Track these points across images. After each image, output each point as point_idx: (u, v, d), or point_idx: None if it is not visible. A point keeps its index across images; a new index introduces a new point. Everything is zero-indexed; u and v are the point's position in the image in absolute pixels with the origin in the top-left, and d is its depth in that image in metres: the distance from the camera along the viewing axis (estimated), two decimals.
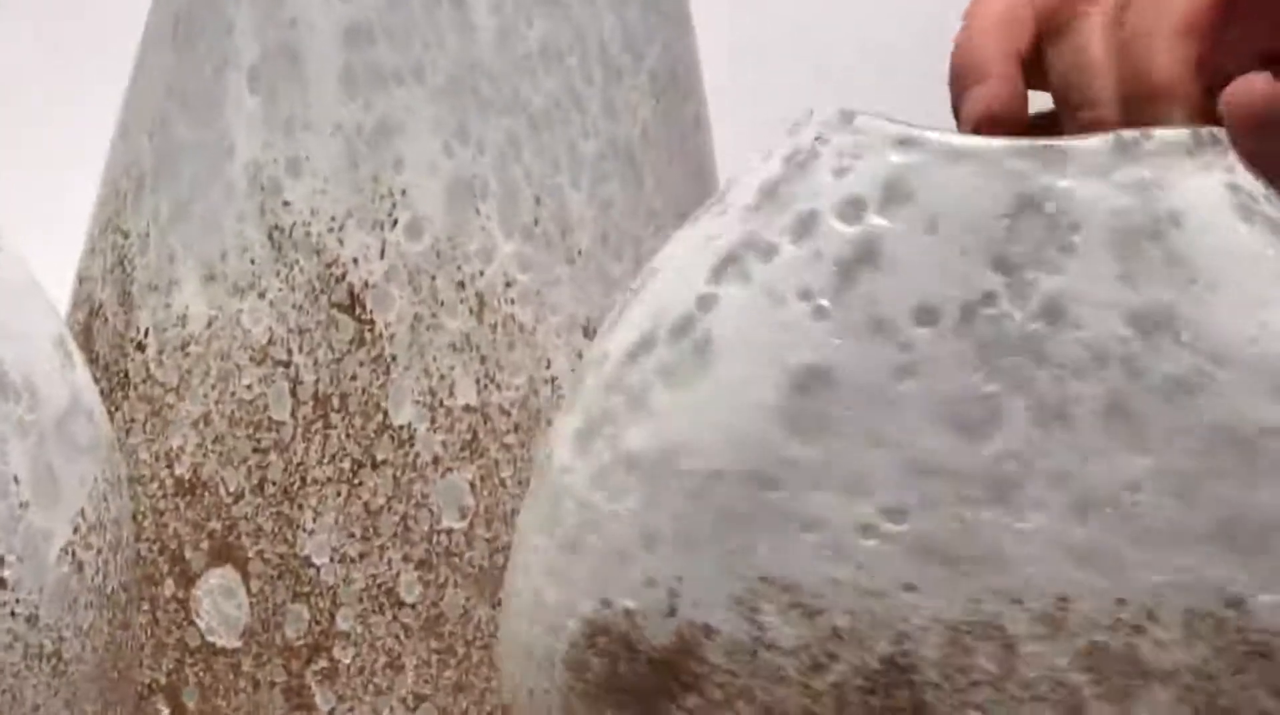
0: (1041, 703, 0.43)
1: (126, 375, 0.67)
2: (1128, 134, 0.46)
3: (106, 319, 0.67)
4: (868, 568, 0.44)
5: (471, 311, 0.62)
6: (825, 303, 0.45)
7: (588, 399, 0.49)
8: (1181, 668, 0.43)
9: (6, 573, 0.49)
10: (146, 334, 0.65)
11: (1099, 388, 0.44)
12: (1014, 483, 0.44)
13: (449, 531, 0.61)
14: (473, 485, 0.60)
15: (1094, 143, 0.46)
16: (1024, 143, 0.46)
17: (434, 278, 0.62)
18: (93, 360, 0.67)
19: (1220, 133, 0.47)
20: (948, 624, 0.44)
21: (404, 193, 0.61)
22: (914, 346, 0.45)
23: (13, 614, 0.50)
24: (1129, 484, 0.44)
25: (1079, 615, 0.43)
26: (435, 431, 0.61)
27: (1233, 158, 0.47)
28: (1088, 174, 0.45)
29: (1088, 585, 0.44)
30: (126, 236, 0.67)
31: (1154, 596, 0.44)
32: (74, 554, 0.53)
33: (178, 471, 0.65)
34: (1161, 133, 0.46)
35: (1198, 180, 0.45)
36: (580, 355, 0.63)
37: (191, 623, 0.66)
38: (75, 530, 0.52)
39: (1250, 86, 0.50)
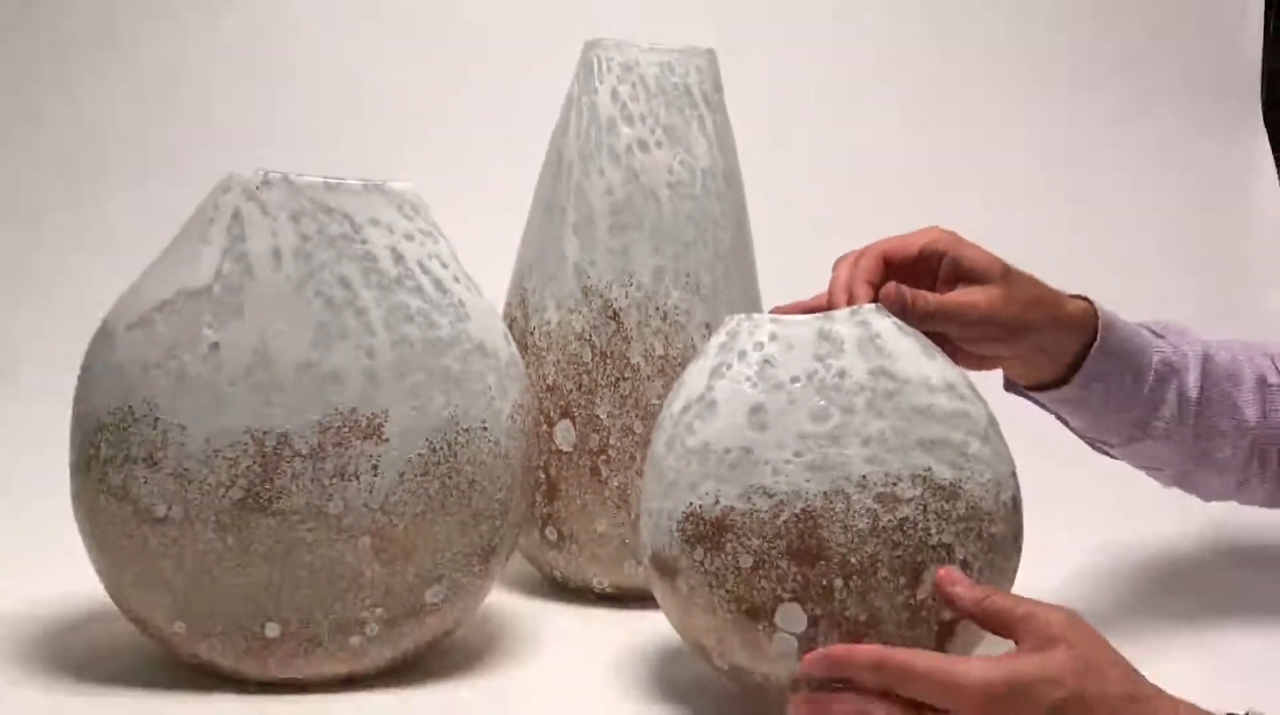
0: None
1: (526, 347, 1.10)
2: (857, 307, 0.84)
3: (516, 321, 1.12)
4: (799, 469, 0.79)
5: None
6: (755, 381, 0.83)
7: (668, 430, 0.85)
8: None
9: (490, 423, 0.89)
10: (534, 332, 1.10)
11: (860, 399, 0.81)
12: (840, 440, 0.79)
13: None
14: None
15: (842, 311, 0.83)
16: (821, 314, 0.83)
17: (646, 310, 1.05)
18: (517, 339, 1.08)
19: (881, 306, 0.85)
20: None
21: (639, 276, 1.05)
22: (793, 392, 0.82)
23: (492, 440, 0.89)
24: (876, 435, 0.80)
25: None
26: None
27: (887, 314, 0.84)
28: (842, 322, 0.83)
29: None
30: (524, 291, 1.10)
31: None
32: (515, 416, 0.92)
33: (546, 383, 1.08)
34: (867, 306, 0.84)
35: (881, 321, 0.84)
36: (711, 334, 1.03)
37: (552, 441, 1.09)
38: (513, 406, 0.92)
39: (886, 290, 0.89)
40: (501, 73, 1.73)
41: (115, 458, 0.85)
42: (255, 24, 1.74)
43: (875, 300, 0.87)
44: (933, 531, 0.79)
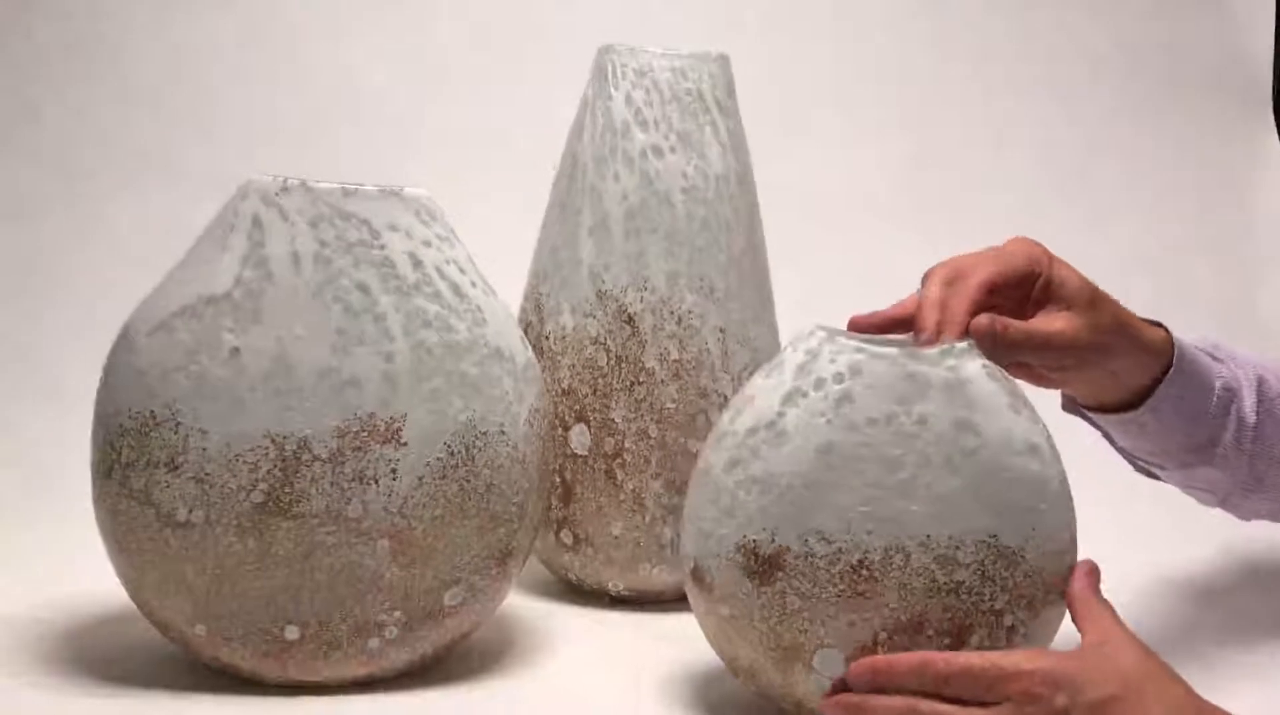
0: None
1: (541, 351, 1.10)
2: (947, 345, 0.79)
3: (532, 325, 1.12)
4: (863, 519, 0.76)
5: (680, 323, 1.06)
6: (830, 417, 0.78)
7: (730, 449, 0.81)
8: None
9: (508, 427, 0.88)
10: (549, 336, 1.10)
11: (937, 452, 0.77)
12: (910, 494, 0.76)
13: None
14: None
15: (932, 351, 0.79)
16: (906, 348, 0.78)
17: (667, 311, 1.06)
18: (532, 343, 1.07)
19: (973, 343, 0.80)
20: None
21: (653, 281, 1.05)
22: (868, 435, 0.78)
23: (510, 444, 0.89)
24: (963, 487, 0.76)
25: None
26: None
27: (980, 354, 0.79)
28: (931, 363, 0.79)
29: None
30: (539, 295, 1.10)
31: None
32: (532, 420, 0.92)
33: (561, 387, 1.09)
34: (958, 343, 0.80)
35: (972, 363, 0.80)
36: (725, 338, 1.04)
37: (567, 445, 1.09)
38: (530, 410, 0.92)
39: (978, 322, 0.83)
40: (511, 75, 1.73)
41: (137, 462, 0.85)
42: (260, 24, 1.74)
43: (968, 329, 0.84)
44: (986, 597, 0.78)
